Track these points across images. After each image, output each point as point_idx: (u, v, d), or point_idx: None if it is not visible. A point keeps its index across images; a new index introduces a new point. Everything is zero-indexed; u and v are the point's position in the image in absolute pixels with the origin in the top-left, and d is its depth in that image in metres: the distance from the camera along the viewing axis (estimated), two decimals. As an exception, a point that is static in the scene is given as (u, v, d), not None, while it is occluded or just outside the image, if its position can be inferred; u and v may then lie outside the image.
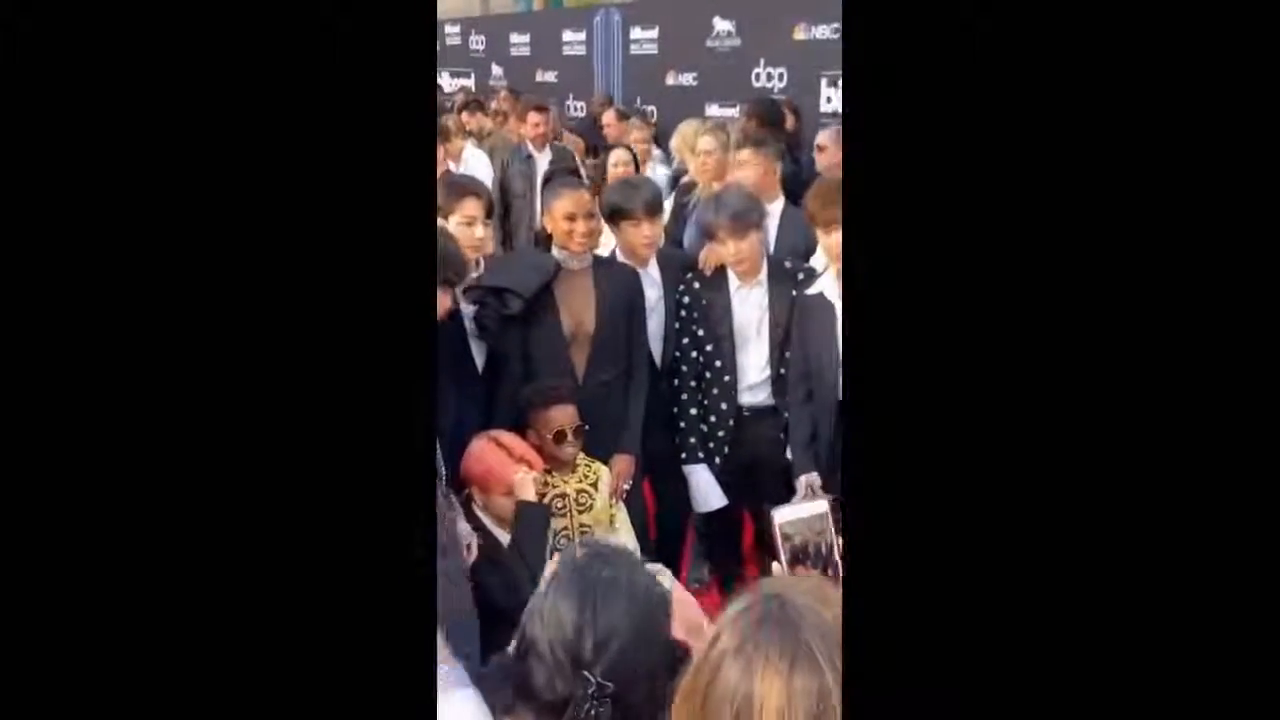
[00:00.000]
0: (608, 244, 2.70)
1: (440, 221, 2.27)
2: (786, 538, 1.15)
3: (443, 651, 0.87)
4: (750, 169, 2.96)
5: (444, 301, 1.97)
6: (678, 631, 1.19)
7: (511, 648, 1.17)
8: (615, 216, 2.55)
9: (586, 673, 1.08)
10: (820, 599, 0.78)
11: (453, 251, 2.02)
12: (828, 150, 3.73)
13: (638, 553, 1.23)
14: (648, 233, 2.55)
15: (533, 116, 4.99)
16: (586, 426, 2.27)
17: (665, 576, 1.22)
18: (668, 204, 3.45)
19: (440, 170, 3.84)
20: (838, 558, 1.15)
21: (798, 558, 1.02)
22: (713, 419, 2.60)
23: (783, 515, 1.17)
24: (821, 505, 1.17)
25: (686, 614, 1.22)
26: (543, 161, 4.77)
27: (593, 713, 1.08)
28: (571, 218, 2.37)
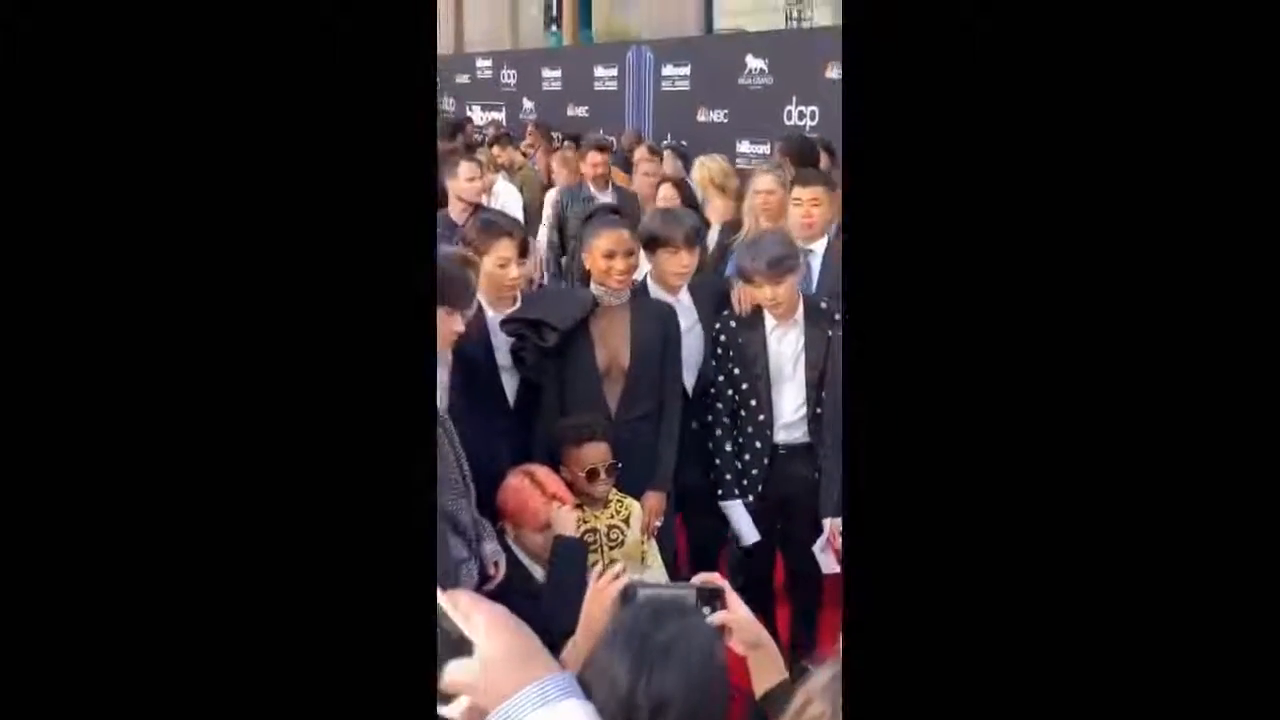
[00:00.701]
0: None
1: (451, 248, 2.33)
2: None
3: (550, 663, 0.81)
4: (821, 206, 2.92)
5: (452, 324, 1.98)
6: (737, 648, 1.17)
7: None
8: (653, 244, 2.57)
9: None
10: None
11: (458, 275, 2.05)
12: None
13: (696, 603, 1.19)
14: (685, 262, 2.58)
15: (593, 156, 4.78)
16: (619, 465, 2.28)
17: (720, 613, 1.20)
18: (712, 241, 3.47)
19: (465, 199, 3.88)
20: None
21: None
22: (748, 456, 2.60)
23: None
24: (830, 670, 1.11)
25: (745, 634, 1.20)
26: (604, 201, 4.54)
27: None
28: (611, 255, 2.40)
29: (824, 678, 0.79)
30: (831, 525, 2.44)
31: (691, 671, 1.10)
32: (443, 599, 0.77)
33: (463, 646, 0.75)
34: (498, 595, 2.03)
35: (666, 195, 3.93)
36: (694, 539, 2.83)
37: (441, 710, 0.76)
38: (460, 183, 3.90)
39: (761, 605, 2.81)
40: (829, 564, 2.55)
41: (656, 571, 2.39)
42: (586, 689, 1.05)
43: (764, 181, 3.31)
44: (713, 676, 1.13)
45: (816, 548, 2.54)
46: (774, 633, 2.77)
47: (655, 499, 2.46)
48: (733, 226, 3.53)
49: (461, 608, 0.77)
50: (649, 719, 1.07)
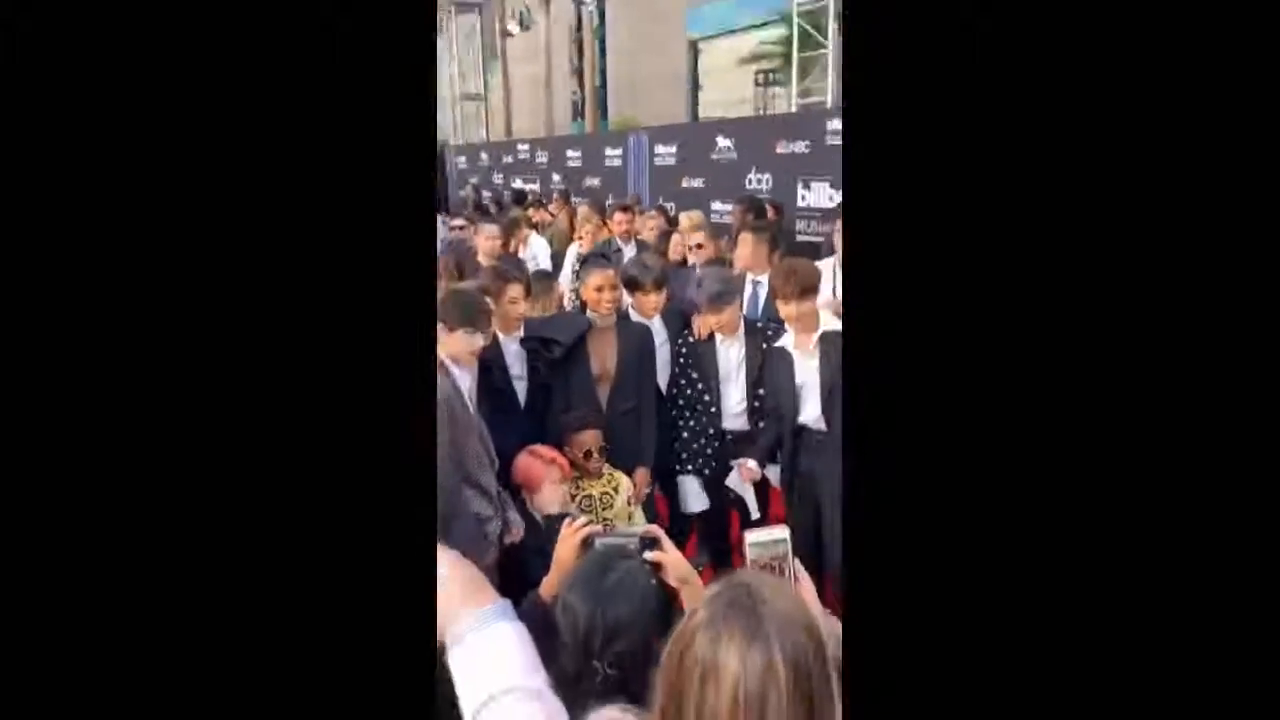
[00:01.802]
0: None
1: (474, 284, 2.44)
2: (754, 559, 1.10)
3: (487, 589, 0.77)
4: (747, 246, 3.04)
5: (476, 343, 2.07)
6: (671, 582, 1.14)
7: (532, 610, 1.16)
8: (631, 286, 2.62)
9: (595, 662, 1.05)
10: (778, 592, 0.75)
11: (479, 302, 2.13)
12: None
13: (640, 549, 1.16)
14: (655, 300, 2.62)
15: (619, 215, 4.51)
16: (609, 446, 2.31)
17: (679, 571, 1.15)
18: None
19: (484, 252, 3.91)
20: (793, 572, 1.10)
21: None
22: (702, 440, 2.61)
23: (751, 537, 1.12)
24: (783, 531, 1.11)
25: (677, 569, 1.16)
26: (629, 252, 4.21)
27: (598, 690, 1.04)
28: (600, 289, 2.47)
29: (709, 593, 0.76)
30: (741, 464, 2.49)
31: (635, 602, 1.09)
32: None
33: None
34: (517, 550, 2.06)
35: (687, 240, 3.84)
36: (672, 506, 2.83)
37: None
38: (482, 239, 4.02)
39: (722, 559, 2.82)
40: (744, 488, 2.54)
41: (638, 527, 2.39)
42: (554, 621, 1.07)
43: (697, 237, 3.47)
44: (653, 604, 1.11)
45: (730, 480, 2.54)
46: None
47: (641, 474, 2.48)
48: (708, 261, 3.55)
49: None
50: (605, 642, 1.06)
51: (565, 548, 1.25)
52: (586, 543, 1.22)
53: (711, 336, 2.58)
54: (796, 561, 1.09)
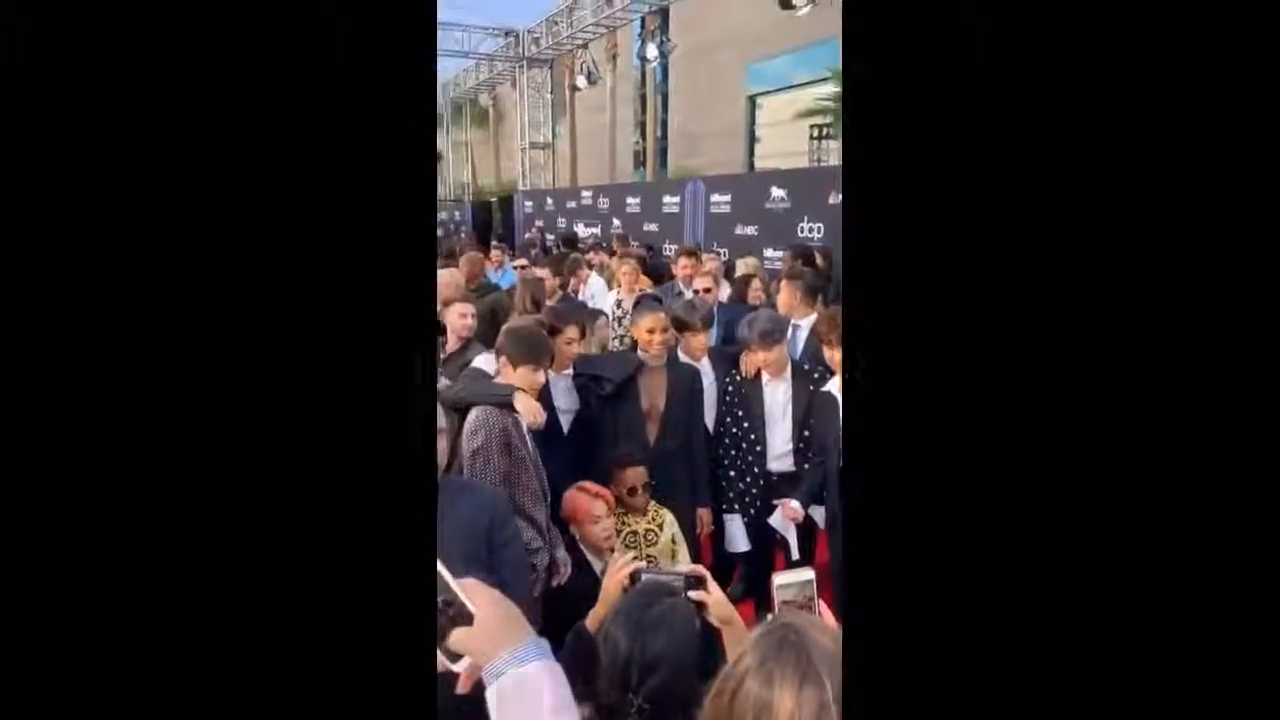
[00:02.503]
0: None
1: (522, 320, 2.52)
2: (784, 600, 1.09)
3: (524, 626, 0.76)
4: (785, 293, 3.12)
5: (538, 379, 2.14)
6: (712, 621, 1.15)
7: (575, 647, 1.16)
8: (680, 326, 2.69)
9: (631, 694, 1.05)
10: (823, 631, 0.75)
11: (543, 339, 2.20)
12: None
13: (684, 588, 1.19)
14: (702, 340, 2.69)
15: (683, 261, 4.50)
16: (653, 483, 2.35)
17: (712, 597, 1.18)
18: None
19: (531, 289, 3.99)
20: (819, 611, 1.13)
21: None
22: (748, 480, 2.62)
23: (779, 580, 1.15)
24: (808, 573, 1.14)
25: (719, 610, 1.17)
26: (688, 294, 4.18)
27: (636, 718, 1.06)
28: (651, 331, 2.54)
29: (756, 635, 0.76)
30: (784, 503, 2.48)
31: (676, 637, 1.09)
32: (454, 584, 0.76)
33: (466, 618, 0.75)
34: (561, 590, 2.08)
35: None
36: (717, 543, 2.83)
37: (451, 666, 0.76)
38: (536, 279, 4.03)
39: (762, 598, 2.79)
40: (786, 528, 2.54)
41: (684, 564, 2.41)
42: (596, 652, 1.08)
43: (704, 281, 3.54)
44: (693, 642, 1.12)
45: (774, 520, 2.54)
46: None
47: (704, 514, 2.55)
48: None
49: (468, 590, 0.77)
50: (642, 675, 1.06)
51: (612, 582, 1.28)
52: (633, 578, 1.24)
53: (758, 376, 2.61)
54: (821, 602, 1.11)
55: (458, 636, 0.75)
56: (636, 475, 2.30)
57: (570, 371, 2.60)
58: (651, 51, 10.29)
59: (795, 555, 2.59)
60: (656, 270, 5.34)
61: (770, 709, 0.69)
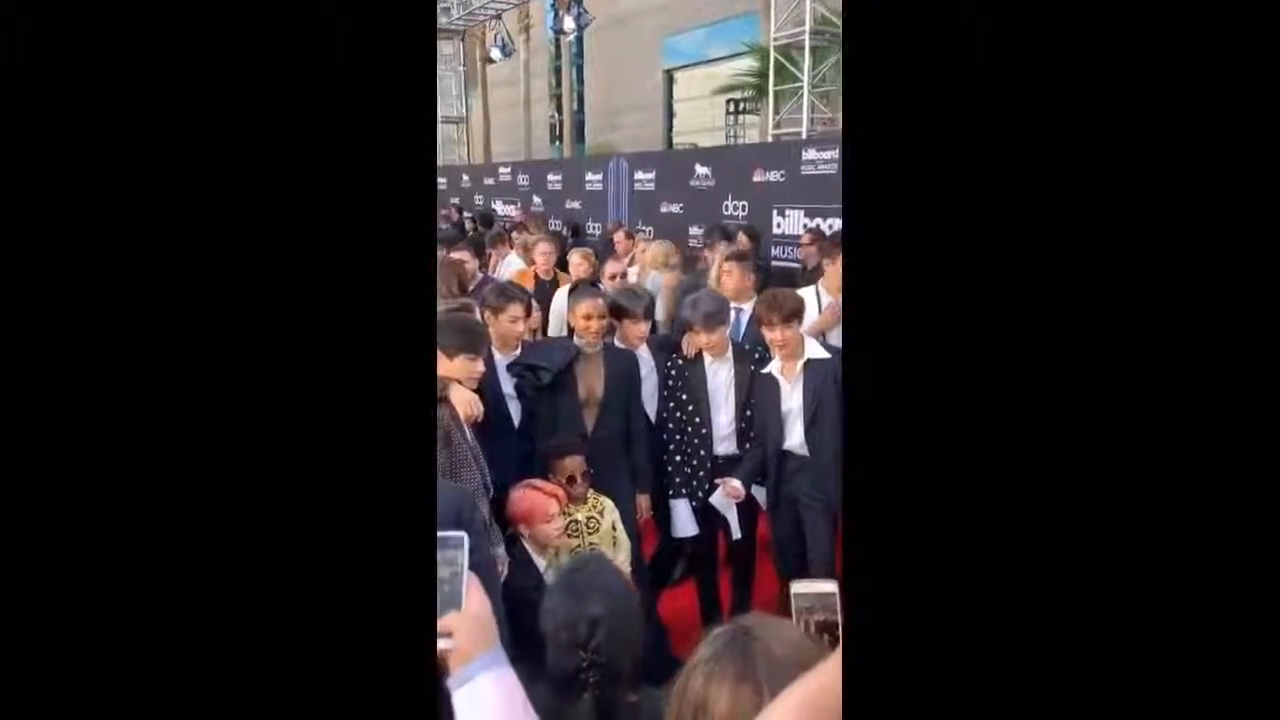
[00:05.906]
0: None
1: (460, 309, 2.39)
2: (802, 610, 0.86)
3: (494, 639, 0.76)
4: (733, 277, 3.03)
5: (477, 368, 2.03)
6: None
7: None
8: (618, 314, 2.60)
9: (582, 650, 1.13)
10: (779, 638, 0.74)
11: (477, 326, 2.09)
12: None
13: (609, 558, 1.30)
14: (641, 329, 2.61)
15: (619, 236, 4.52)
16: (592, 471, 2.29)
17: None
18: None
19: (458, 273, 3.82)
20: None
21: (818, 630, 0.83)
22: (694, 463, 2.58)
23: (797, 588, 0.95)
24: (831, 585, 0.94)
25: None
26: (633, 275, 4.00)
27: (590, 679, 1.13)
28: (589, 317, 2.45)
29: (713, 632, 0.77)
30: (725, 482, 2.48)
31: (609, 595, 1.19)
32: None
33: (458, 602, 0.75)
34: (506, 590, 1.99)
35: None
36: (660, 528, 2.80)
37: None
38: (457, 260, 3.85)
39: (707, 577, 2.80)
40: (727, 507, 2.53)
41: (623, 552, 2.36)
42: (543, 630, 1.16)
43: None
44: (626, 593, 1.23)
45: (715, 499, 2.52)
46: (716, 598, 2.75)
47: (644, 499, 2.51)
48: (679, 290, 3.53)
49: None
50: (587, 632, 1.14)
51: None
52: None
53: (700, 357, 2.56)
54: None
55: (448, 619, 0.74)
56: (575, 464, 2.25)
57: (519, 351, 2.47)
58: (569, 24, 9.96)
59: (736, 534, 2.59)
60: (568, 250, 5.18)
61: (706, 705, 0.70)
